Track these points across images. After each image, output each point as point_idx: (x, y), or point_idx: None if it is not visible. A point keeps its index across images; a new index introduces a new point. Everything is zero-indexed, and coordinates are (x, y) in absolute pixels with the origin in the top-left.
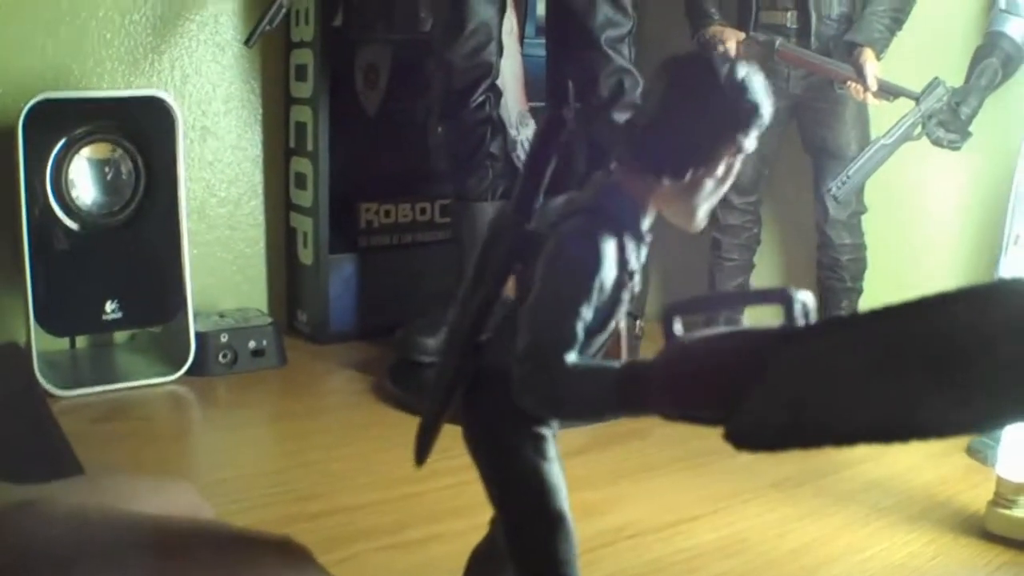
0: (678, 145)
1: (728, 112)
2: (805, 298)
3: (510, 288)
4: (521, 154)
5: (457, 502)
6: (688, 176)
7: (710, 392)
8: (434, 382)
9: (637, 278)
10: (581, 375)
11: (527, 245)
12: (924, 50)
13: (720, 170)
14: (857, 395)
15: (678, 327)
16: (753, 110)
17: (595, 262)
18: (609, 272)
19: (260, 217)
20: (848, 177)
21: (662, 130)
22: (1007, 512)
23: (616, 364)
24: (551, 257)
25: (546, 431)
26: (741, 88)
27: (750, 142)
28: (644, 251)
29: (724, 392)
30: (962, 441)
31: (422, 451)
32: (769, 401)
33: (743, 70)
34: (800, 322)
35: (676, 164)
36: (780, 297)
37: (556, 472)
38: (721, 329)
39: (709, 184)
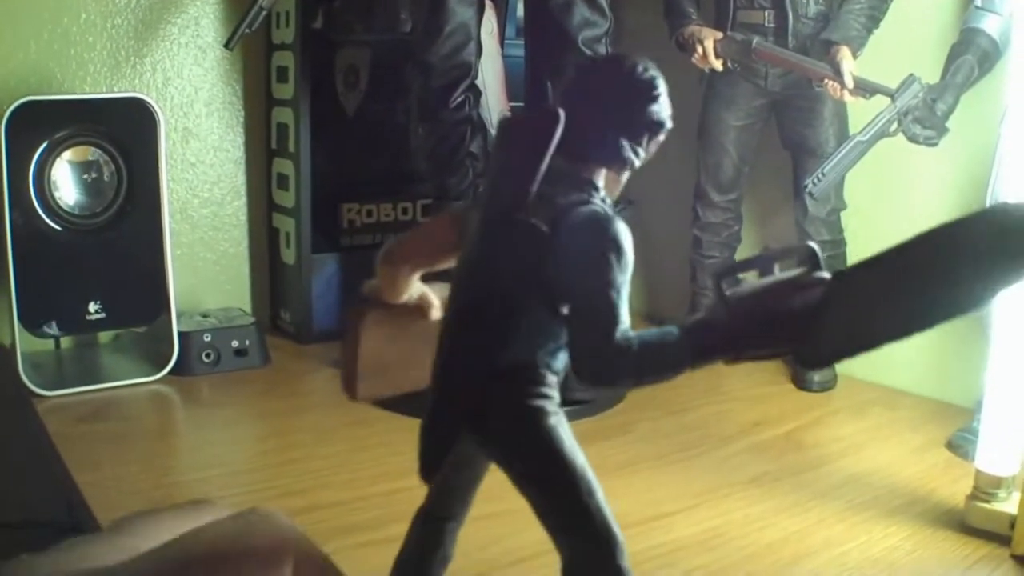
0: (609, 139)
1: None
2: (819, 248)
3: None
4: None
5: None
6: (628, 165)
7: (782, 329)
8: (445, 399)
9: None
10: (655, 348)
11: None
12: (901, 48)
13: (650, 151)
14: (890, 308)
15: (725, 287)
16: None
17: (627, 241)
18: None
19: (243, 217)
20: (824, 174)
21: (595, 126)
22: (986, 506)
23: (674, 327)
24: (587, 246)
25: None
26: (648, 83)
27: (668, 121)
28: None
29: (794, 327)
30: (942, 436)
31: (434, 467)
32: (832, 327)
33: (648, 68)
34: (823, 267)
35: (616, 156)
36: (806, 251)
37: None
38: (768, 280)
39: (638, 163)
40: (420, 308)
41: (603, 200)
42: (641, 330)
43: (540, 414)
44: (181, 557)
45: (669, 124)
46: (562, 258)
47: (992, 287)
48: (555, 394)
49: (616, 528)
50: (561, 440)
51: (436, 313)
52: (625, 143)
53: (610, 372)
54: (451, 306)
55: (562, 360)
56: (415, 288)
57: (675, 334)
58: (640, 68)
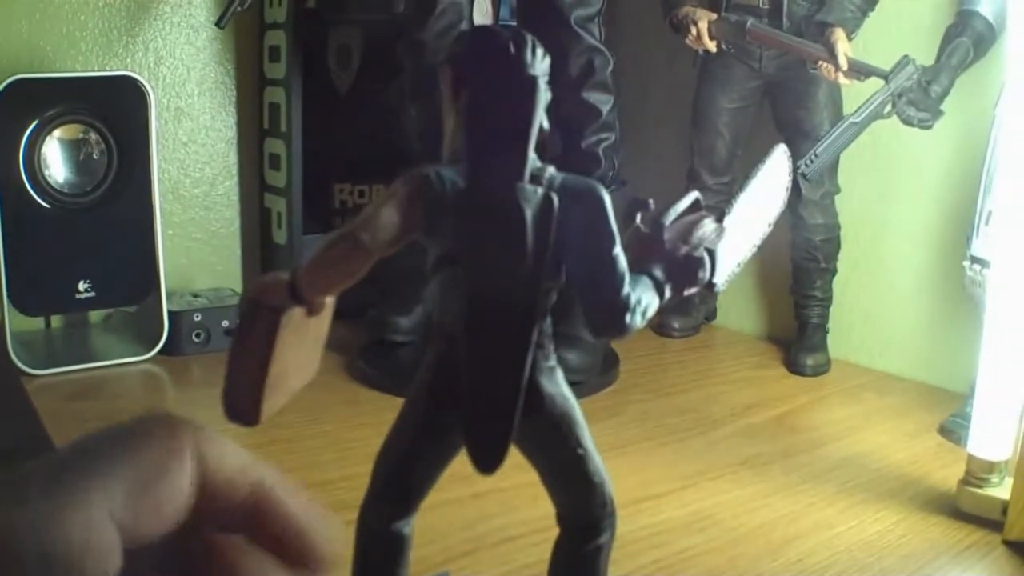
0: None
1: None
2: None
3: None
4: None
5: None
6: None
7: (702, 264)
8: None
9: None
10: (649, 296)
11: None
12: (896, 30)
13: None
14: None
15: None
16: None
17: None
18: None
19: (234, 197)
20: (816, 155)
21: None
22: (978, 491)
23: (639, 273)
24: (596, 211)
25: None
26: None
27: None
28: None
29: (709, 261)
30: (935, 421)
31: (501, 457)
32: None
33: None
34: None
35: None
36: (694, 198)
37: None
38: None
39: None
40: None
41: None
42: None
43: (559, 373)
44: (83, 459)
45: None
46: (575, 225)
47: None
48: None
49: None
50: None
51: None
52: None
53: (623, 325)
54: (468, 291)
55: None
56: None
57: (648, 281)
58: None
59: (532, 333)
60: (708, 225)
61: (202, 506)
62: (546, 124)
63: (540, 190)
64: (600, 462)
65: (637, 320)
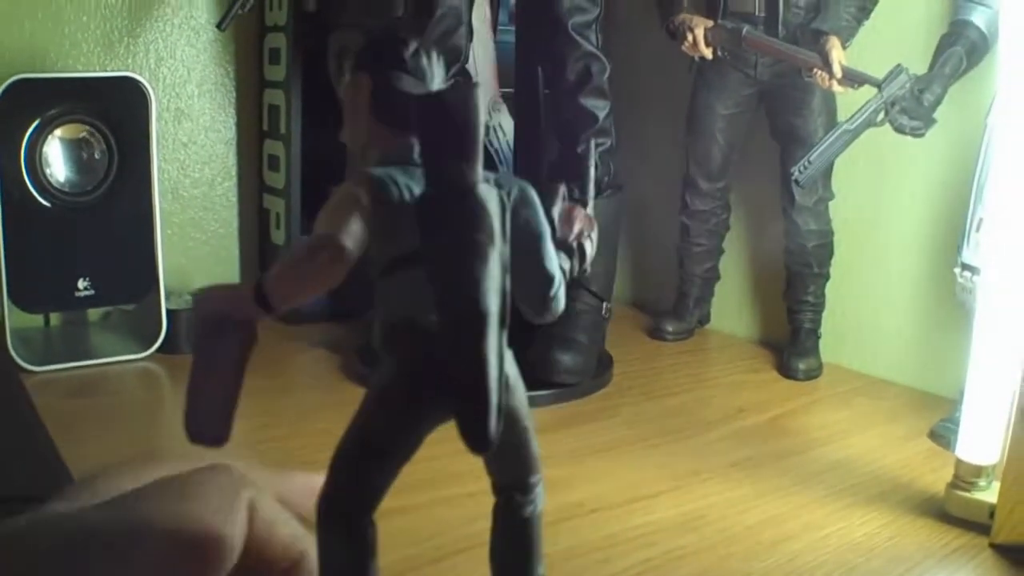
0: None
1: None
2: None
3: None
4: (493, 139)
5: (419, 476)
6: None
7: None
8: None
9: None
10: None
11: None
12: (890, 39)
13: None
14: None
15: None
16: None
17: None
18: None
19: (233, 198)
20: (810, 162)
21: None
22: (966, 494)
23: None
24: (530, 207)
25: None
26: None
27: None
28: None
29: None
30: (925, 426)
31: (494, 436)
32: None
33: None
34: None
35: None
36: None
37: None
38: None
39: None
40: None
41: None
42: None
43: (510, 354)
44: (130, 509)
45: None
46: (524, 225)
47: None
48: None
49: None
50: None
51: None
52: None
53: (553, 313)
54: (439, 290)
55: None
56: None
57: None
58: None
59: (506, 319)
60: (583, 214)
61: (247, 562)
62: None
63: (493, 189)
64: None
65: (560, 307)
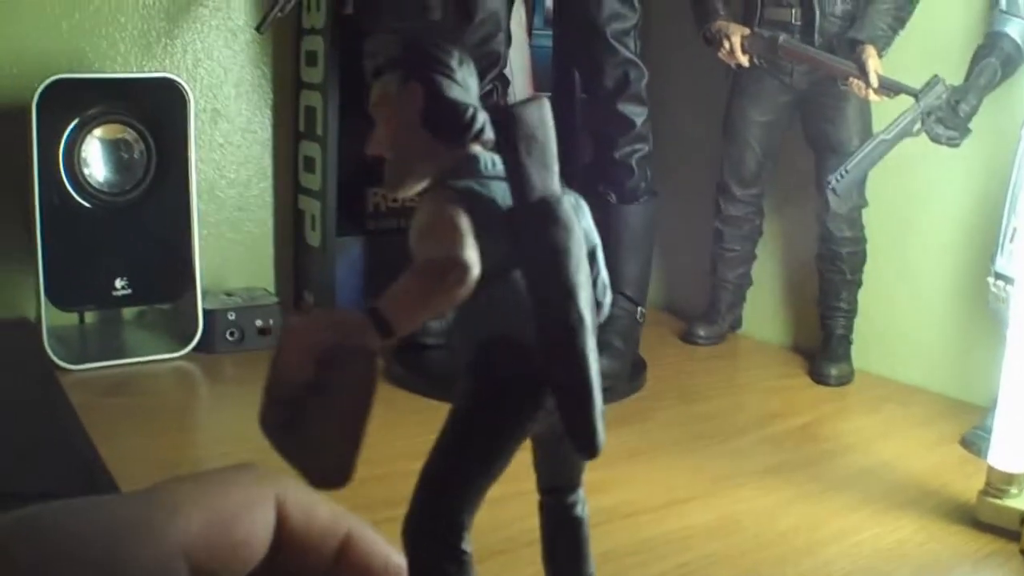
0: None
1: None
2: None
3: None
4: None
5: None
6: None
7: None
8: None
9: None
10: None
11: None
12: (926, 49)
13: None
14: None
15: None
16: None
17: None
18: None
19: (269, 199)
20: (847, 171)
21: None
22: (997, 502)
23: None
24: (589, 215)
25: None
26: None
27: None
28: None
29: None
30: (956, 433)
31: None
32: None
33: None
34: None
35: None
36: None
37: None
38: None
39: None
40: None
41: None
42: None
43: None
44: (164, 496)
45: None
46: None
47: None
48: None
49: None
50: None
51: None
52: None
53: (605, 313)
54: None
55: None
56: None
57: None
58: None
59: (596, 325)
60: None
61: (289, 556)
62: None
63: (570, 198)
64: None
65: (607, 312)
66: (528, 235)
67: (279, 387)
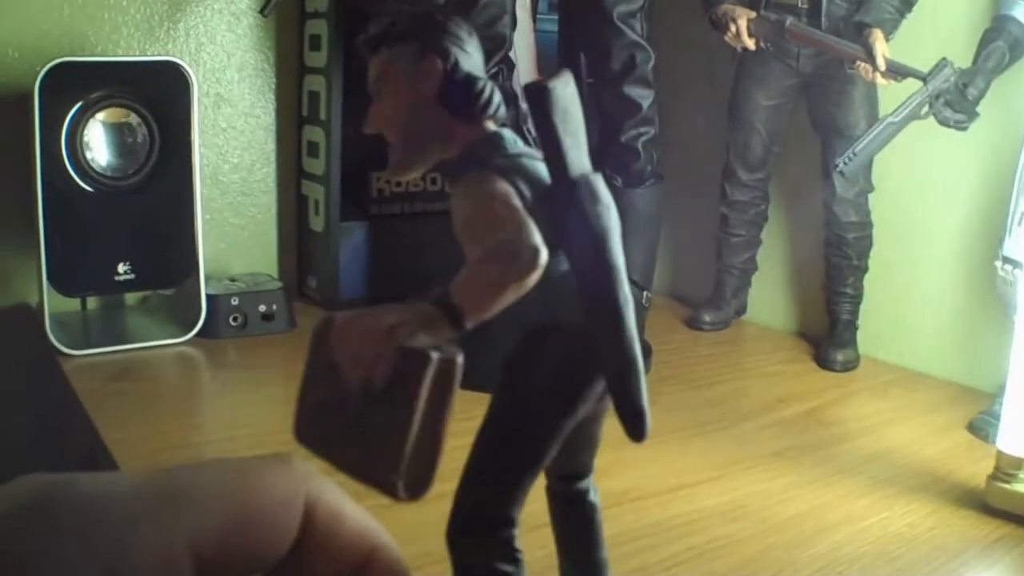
0: None
1: None
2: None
3: None
4: (533, 127)
5: (462, 463)
6: None
7: None
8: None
9: None
10: None
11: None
12: (933, 33)
13: None
14: None
15: None
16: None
17: None
18: None
19: (272, 184)
20: (855, 154)
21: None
22: (1007, 486)
23: None
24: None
25: None
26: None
27: None
28: None
29: None
30: (963, 418)
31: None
32: None
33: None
34: None
35: None
36: None
37: None
38: None
39: None
40: None
41: None
42: None
43: None
44: (183, 481)
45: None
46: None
47: None
48: None
49: None
50: None
51: None
52: None
53: None
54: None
55: None
56: None
57: None
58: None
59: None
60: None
61: (302, 562)
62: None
63: (599, 177)
64: None
65: None
66: (573, 215)
67: (327, 392)
